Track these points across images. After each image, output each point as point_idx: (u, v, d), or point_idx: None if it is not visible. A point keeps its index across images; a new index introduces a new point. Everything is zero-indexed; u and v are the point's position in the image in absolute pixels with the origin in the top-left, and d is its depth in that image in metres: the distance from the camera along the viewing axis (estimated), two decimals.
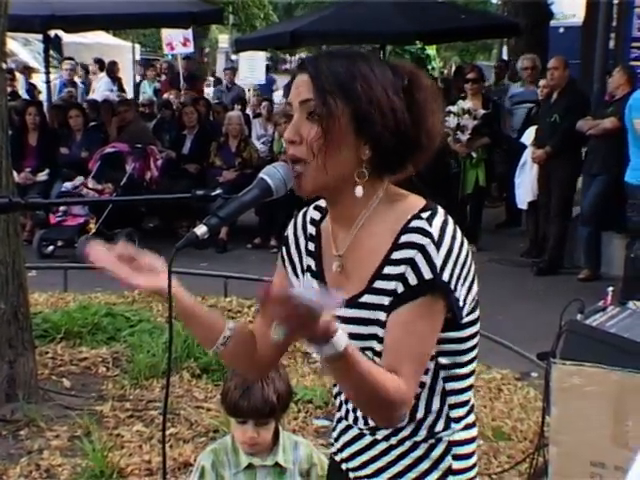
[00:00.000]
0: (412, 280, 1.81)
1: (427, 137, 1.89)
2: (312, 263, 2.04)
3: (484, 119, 9.48)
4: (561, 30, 18.37)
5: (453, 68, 22.16)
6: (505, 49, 19.66)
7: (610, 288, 3.99)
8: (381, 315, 1.86)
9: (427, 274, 1.80)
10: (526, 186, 9.32)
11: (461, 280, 1.84)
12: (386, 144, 1.84)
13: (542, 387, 4.25)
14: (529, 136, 9.30)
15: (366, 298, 1.89)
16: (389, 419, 1.87)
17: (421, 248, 1.80)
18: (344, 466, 2.08)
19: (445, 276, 1.81)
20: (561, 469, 3.65)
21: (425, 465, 1.95)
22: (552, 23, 16.29)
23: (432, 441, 1.95)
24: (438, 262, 1.80)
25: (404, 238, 1.83)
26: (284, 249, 2.13)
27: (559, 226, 8.89)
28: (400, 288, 1.83)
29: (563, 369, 3.59)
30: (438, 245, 1.81)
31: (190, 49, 16.09)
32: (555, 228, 8.90)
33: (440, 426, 1.95)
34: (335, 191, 1.91)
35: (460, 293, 1.85)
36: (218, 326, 2.07)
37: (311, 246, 2.06)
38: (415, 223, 1.84)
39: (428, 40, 15.66)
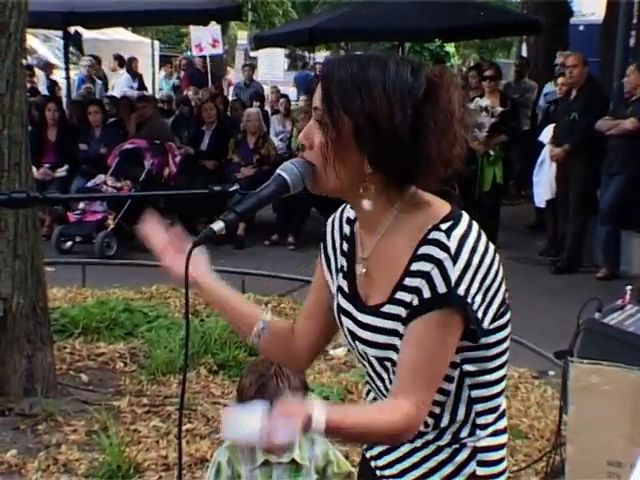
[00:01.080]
0: (426, 293, 1.78)
1: (428, 160, 1.78)
2: (345, 264, 2.03)
3: (502, 117, 9.46)
4: (581, 28, 18.26)
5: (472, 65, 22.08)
6: (524, 46, 19.56)
7: (629, 287, 3.97)
8: (399, 327, 1.84)
9: (441, 288, 1.77)
10: (544, 184, 9.28)
11: (481, 292, 1.80)
12: (383, 160, 1.79)
13: (559, 386, 4.24)
14: (547, 134, 9.26)
15: (388, 308, 1.87)
16: (398, 441, 1.90)
17: (438, 262, 1.77)
18: (373, 464, 2.08)
19: (461, 290, 1.77)
20: (578, 468, 3.64)
21: (448, 469, 1.94)
22: (572, 21, 16.20)
23: (456, 446, 1.93)
24: (454, 277, 1.76)
25: (422, 250, 1.80)
26: (322, 246, 2.11)
27: (577, 224, 8.85)
28: (415, 301, 1.81)
29: (581, 368, 3.57)
30: (455, 259, 1.77)
31: (219, 50, 16.05)
32: (573, 226, 8.87)
33: (465, 432, 1.93)
34: (349, 198, 1.91)
35: (479, 306, 1.80)
36: (253, 317, 2.10)
37: (345, 246, 2.04)
38: (434, 235, 1.80)
39: (447, 37, 15.63)
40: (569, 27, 15.37)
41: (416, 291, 1.80)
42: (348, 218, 2.05)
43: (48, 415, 4.82)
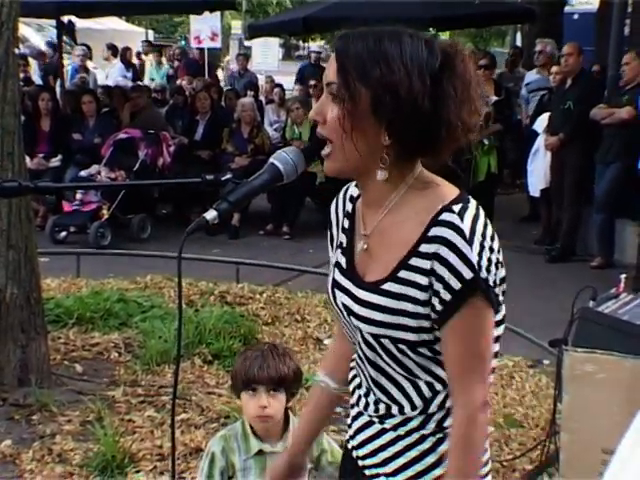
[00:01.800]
0: (455, 284, 1.77)
1: (448, 128, 1.79)
2: (344, 240, 2.03)
3: (496, 106, 9.44)
4: (575, 17, 18.28)
5: None
6: (519, 36, 19.55)
7: (623, 275, 3.98)
8: (408, 306, 1.83)
9: (467, 274, 1.76)
10: (539, 174, 9.27)
11: (493, 274, 1.81)
12: (403, 131, 1.79)
13: (554, 374, 4.24)
14: (541, 123, 9.25)
15: (389, 286, 1.86)
16: (485, 423, 1.93)
17: (454, 248, 1.77)
18: (355, 454, 2.08)
19: (484, 273, 1.78)
20: (572, 456, 3.65)
21: (431, 459, 1.94)
22: (566, 9, 16.21)
23: (440, 435, 1.93)
24: (474, 260, 1.76)
25: (434, 231, 1.79)
26: (329, 226, 2.11)
27: (572, 213, 8.86)
28: (445, 295, 1.79)
29: (575, 356, 3.58)
30: (470, 242, 1.77)
31: (218, 44, 16.03)
32: (568, 215, 8.87)
33: (449, 421, 1.92)
34: (362, 174, 1.89)
35: (498, 288, 1.83)
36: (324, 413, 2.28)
37: (346, 223, 2.04)
38: (446, 216, 1.80)
39: (442, 26, 15.58)
40: (564, 16, 15.36)
41: (429, 273, 1.79)
42: (351, 196, 2.06)
43: (42, 405, 4.82)
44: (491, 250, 1.81)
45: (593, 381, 3.52)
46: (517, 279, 7.60)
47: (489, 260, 1.79)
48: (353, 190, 2.05)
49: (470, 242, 1.77)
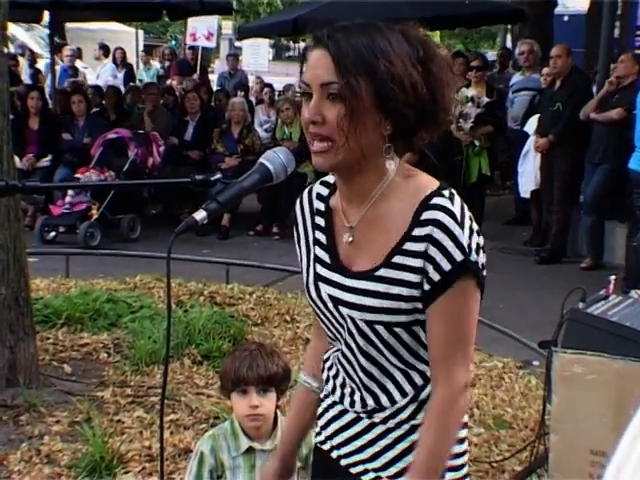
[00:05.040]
0: (445, 265, 1.81)
1: (443, 110, 1.88)
2: (322, 237, 2.03)
3: (487, 107, 9.45)
4: (565, 18, 18.31)
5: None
6: (509, 37, 19.57)
7: (612, 277, 3.98)
8: (404, 290, 1.86)
9: (458, 256, 1.80)
10: (529, 175, 9.29)
11: (480, 256, 1.85)
12: (406, 120, 1.83)
13: (543, 375, 4.25)
14: (532, 125, 9.26)
15: (383, 272, 1.88)
16: (465, 407, 1.95)
17: (447, 230, 1.80)
18: (335, 453, 2.07)
19: (473, 255, 1.82)
20: (561, 457, 3.65)
21: None
22: (556, 11, 16.21)
23: None
24: (465, 242, 1.80)
25: (426, 214, 1.83)
26: (294, 228, 2.12)
27: (562, 215, 8.87)
28: (435, 275, 1.82)
29: (564, 358, 3.58)
30: (462, 225, 1.81)
31: (212, 44, 16.01)
32: (557, 217, 8.89)
33: None
34: (354, 167, 1.89)
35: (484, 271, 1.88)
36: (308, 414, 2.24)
37: (320, 220, 2.04)
38: (437, 200, 1.83)
39: (432, 26, 15.57)
40: (554, 17, 15.38)
41: (423, 256, 1.82)
42: (319, 194, 2.07)
43: (31, 406, 4.80)
44: (478, 234, 1.85)
45: (582, 382, 3.52)
46: (507, 280, 7.68)
47: (478, 244, 1.84)
48: (320, 189, 2.07)
49: (462, 225, 1.81)
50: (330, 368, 2.11)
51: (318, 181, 2.10)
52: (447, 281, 1.81)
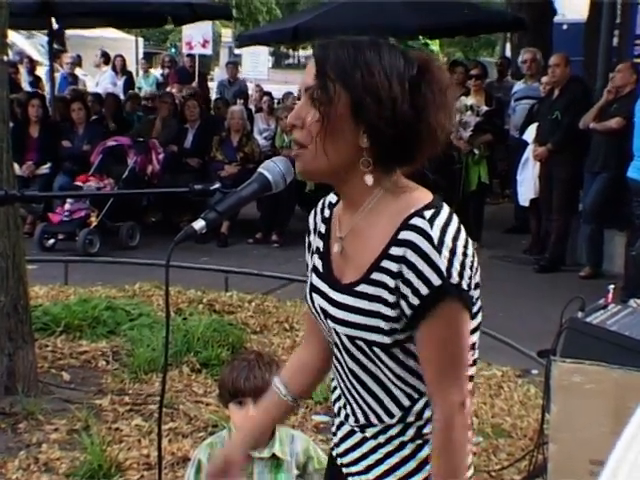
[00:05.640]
0: (423, 290, 1.77)
1: (428, 131, 1.82)
2: (320, 245, 2.04)
3: (487, 116, 9.46)
4: (565, 27, 18.31)
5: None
6: (508, 46, 19.58)
7: (611, 286, 3.98)
8: (381, 308, 1.83)
9: (435, 281, 1.76)
10: (528, 184, 9.30)
11: (466, 278, 1.80)
12: (383, 134, 1.80)
13: (542, 385, 4.24)
14: (531, 133, 9.27)
15: (362, 287, 1.87)
16: (465, 424, 1.91)
17: (422, 254, 1.77)
18: (339, 461, 2.08)
19: (454, 279, 1.77)
20: (560, 467, 3.64)
21: (412, 465, 1.94)
22: (555, 20, 16.22)
23: (419, 442, 1.93)
24: (443, 266, 1.76)
25: (403, 235, 1.80)
26: (307, 234, 2.12)
27: (561, 223, 8.87)
28: (414, 300, 1.79)
29: (563, 367, 3.58)
30: (439, 248, 1.76)
31: (208, 51, 16.02)
32: (557, 225, 8.89)
33: (429, 428, 1.92)
34: (337, 178, 1.89)
35: (473, 291, 1.83)
36: (275, 407, 2.25)
37: (323, 228, 2.05)
38: (416, 221, 1.80)
39: (431, 35, 15.60)
40: (553, 26, 15.39)
41: (397, 276, 1.80)
42: (330, 202, 2.07)
43: (29, 414, 4.79)
44: (464, 255, 1.80)
45: (581, 392, 3.52)
46: (506, 289, 7.68)
47: (462, 265, 1.79)
48: (332, 197, 2.07)
49: (438, 249, 1.77)
50: (335, 388, 2.10)
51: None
52: (426, 305, 1.78)
